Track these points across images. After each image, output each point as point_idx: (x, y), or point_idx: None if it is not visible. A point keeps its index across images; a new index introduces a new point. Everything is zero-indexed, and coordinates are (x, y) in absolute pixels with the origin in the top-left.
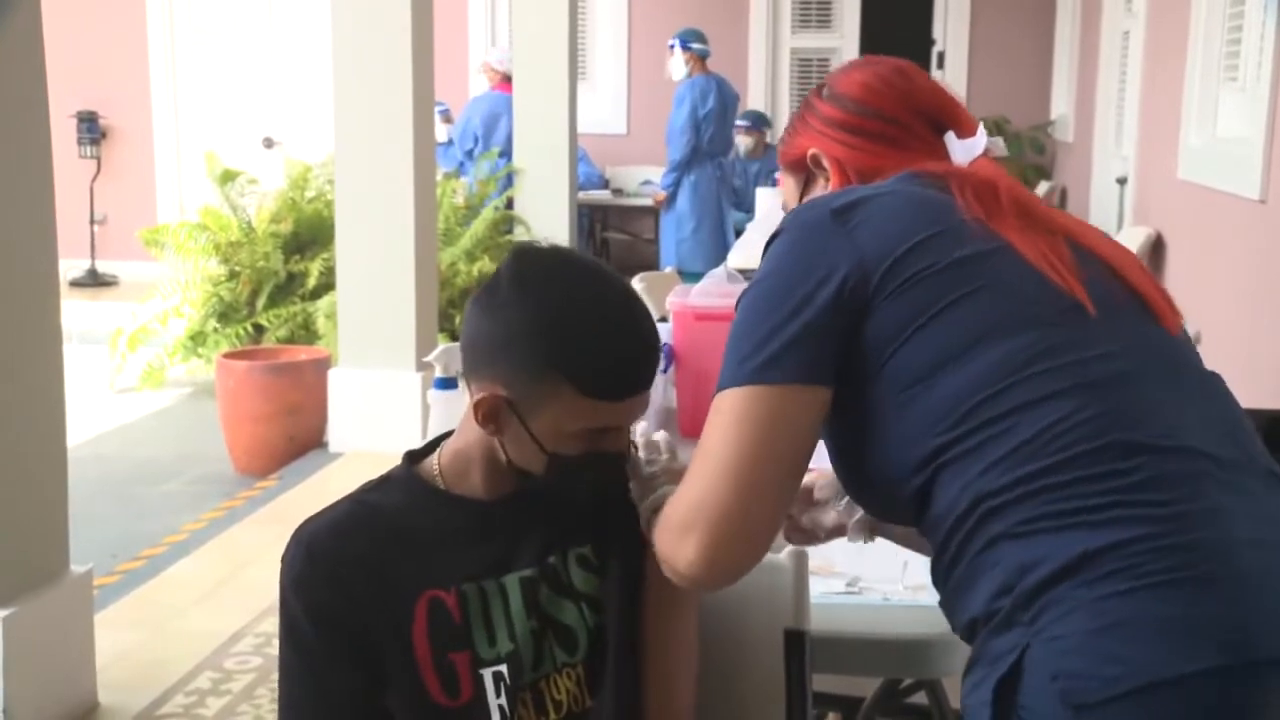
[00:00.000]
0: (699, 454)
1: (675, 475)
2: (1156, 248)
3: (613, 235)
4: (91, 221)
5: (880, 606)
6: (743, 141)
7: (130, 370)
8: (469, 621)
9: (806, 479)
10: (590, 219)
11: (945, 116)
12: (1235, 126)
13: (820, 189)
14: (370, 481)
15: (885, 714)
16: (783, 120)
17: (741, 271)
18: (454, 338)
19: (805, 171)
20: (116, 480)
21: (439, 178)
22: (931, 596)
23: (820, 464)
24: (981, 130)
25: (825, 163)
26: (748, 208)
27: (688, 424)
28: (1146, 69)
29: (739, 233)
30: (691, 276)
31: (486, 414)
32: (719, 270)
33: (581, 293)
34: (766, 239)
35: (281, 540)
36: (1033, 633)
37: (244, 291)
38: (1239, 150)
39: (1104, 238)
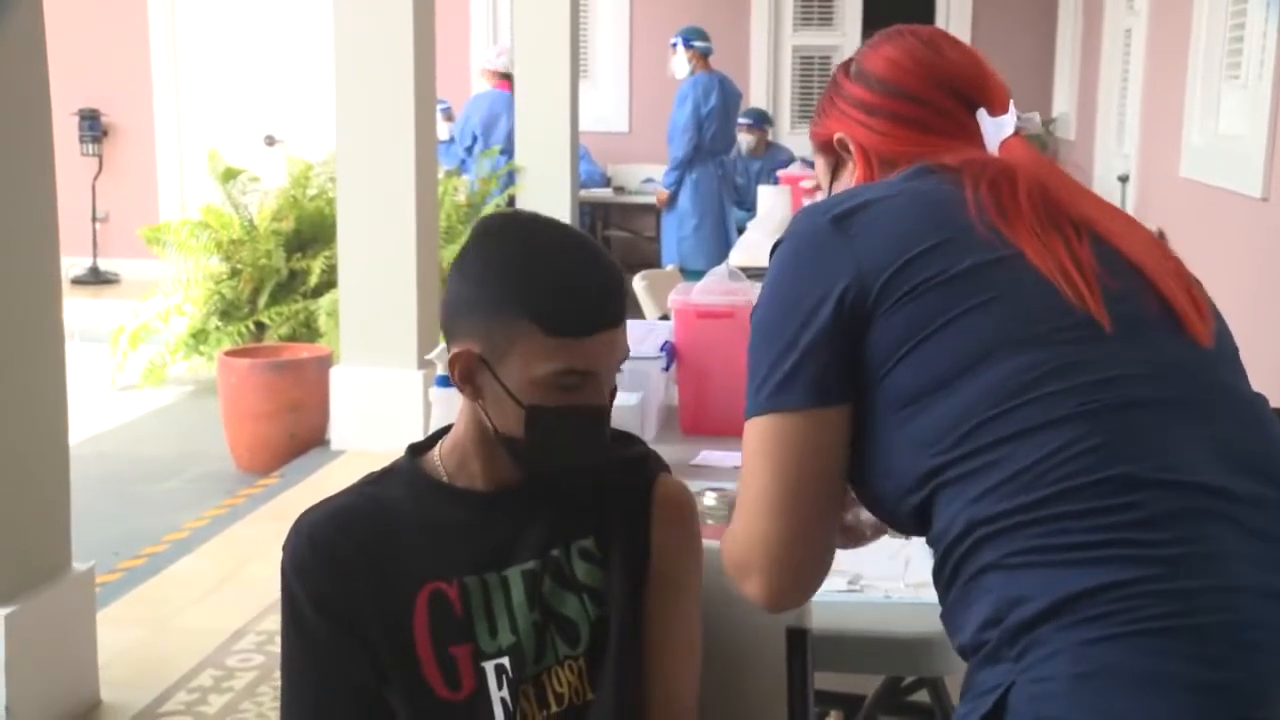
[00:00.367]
0: (742, 487)
1: None
2: None
3: (614, 233)
4: (93, 219)
5: (882, 604)
6: (744, 139)
7: (132, 368)
8: (471, 614)
9: None
10: (592, 217)
11: (976, 91)
12: (1237, 124)
13: (849, 173)
14: (372, 473)
15: (887, 712)
16: (785, 118)
17: (744, 269)
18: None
19: (835, 154)
20: (118, 478)
21: (441, 176)
22: (933, 594)
23: None
24: (1013, 108)
25: (851, 148)
26: (749, 206)
27: (689, 422)
28: (1148, 67)
29: (741, 231)
30: (693, 274)
31: (462, 373)
32: (720, 268)
33: (538, 236)
34: (774, 241)
35: (283, 538)
36: (1018, 670)
37: (246, 289)
38: (1241, 148)
39: (1135, 233)
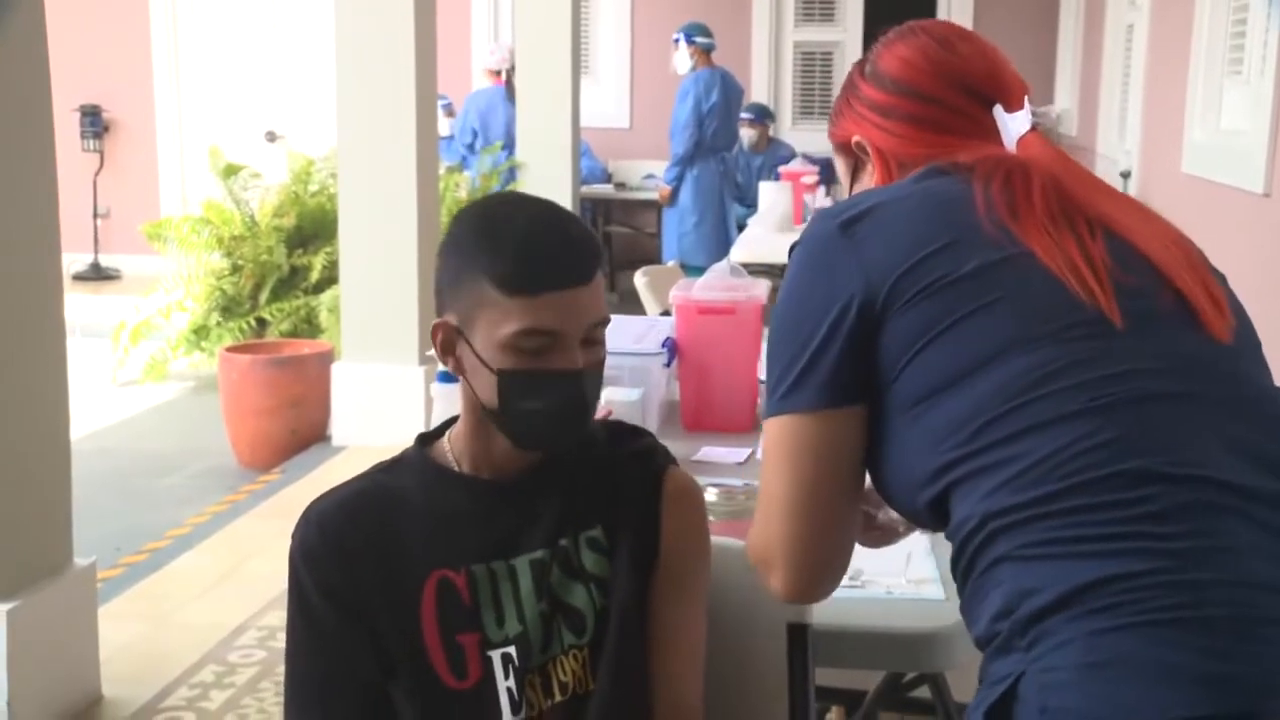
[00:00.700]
0: (762, 485)
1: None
2: None
3: (615, 229)
4: (94, 215)
5: (883, 600)
6: (746, 135)
7: (133, 364)
8: (478, 603)
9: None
10: (593, 213)
11: (991, 88)
12: (1239, 120)
13: (868, 175)
14: (382, 462)
15: (888, 708)
16: (786, 114)
17: (745, 265)
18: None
19: (853, 156)
20: (120, 474)
21: (442, 172)
22: (934, 590)
23: None
24: (1028, 104)
25: (869, 151)
26: (750, 202)
27: (690, 417)
28: (1150, 63)
29: (742, 227)
30: (694, 270)
31: (443, 344)
32: (721, 264)
33: (501, 204)
34: (790, 244)
35: (285, 533)
36: (1028, 660)
37: (247, 285)
38: (1243, 144)
39: (1152, 228)
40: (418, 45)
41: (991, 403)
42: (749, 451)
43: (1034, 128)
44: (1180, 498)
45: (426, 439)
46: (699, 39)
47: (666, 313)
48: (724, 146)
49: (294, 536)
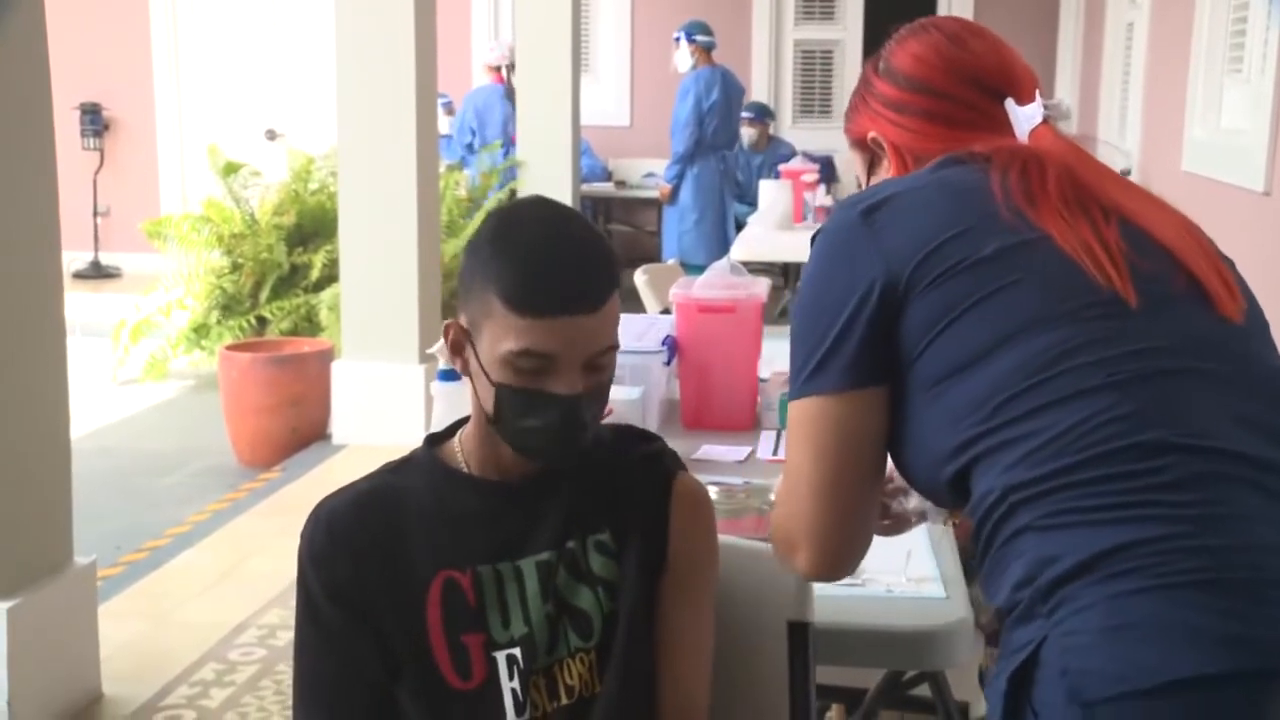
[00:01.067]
0: (787, 467)
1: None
2: None
3: (616, 227)
4: (94, 214)
5: (883, 598)
6: (746, 133)
7: (133, 362)
8: (483, 603)
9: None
10: (593, 211)
11: (1002, 82)
12: (1239, 119)
13: (884, 169)
14: (391, 462)
15: (888, 706)
16: (786, 112)
17: (745, 264)
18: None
19: (870, 151)
20: (120, 472)
21: (442, 170)
22: (935, 589)
23: None
24: (1039, 97)
25: (885, 146)
26: (751, 200)
27: (690, 416)
28: (1150, 61)
29: (741, 225)
30: (694, 269)
31: (452, 344)
32: (722, 262)
33: (525, 213)
34: (812, 234)
35: (285, 531)
36: (1050, 625)
37: (247, 283)
38: (1243, 142)
39: (1165, 216)
40: (418, 43)
41: (1011, 380)
42: (749, 450)
43: (1045, 120)
44: (1194, 467)
45: (436, 439)
46: (699, 37)
47: (667, 311)
48: (724, 145)
49: (303, 536)
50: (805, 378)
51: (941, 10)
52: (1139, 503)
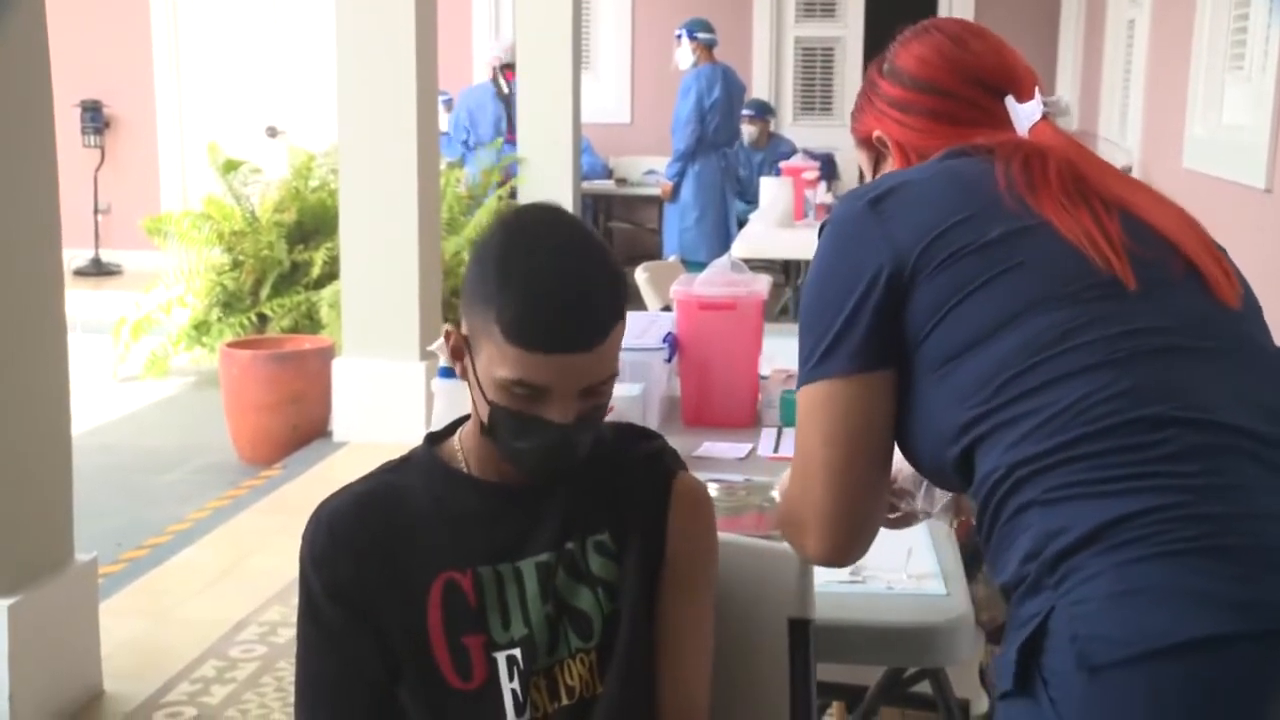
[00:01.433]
0: (797, 451)
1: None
2: None
3: (617, 225)
4: (95, 211)
5: (884, 595)
6: (747, 130)
7: (134, 359)
8: (484, 604)
9: (892, 469)
10: (594, 209)
11: (1003, 80)
12: (1240, 116)
13: (888, 167)
14: (390, 461)
15: (889, 703)
16: (787, 109)
17: (746, 261)
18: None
19: (875, 150)
20: (121, 469)
21: (442, 167)
22: (935, 585)
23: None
24: (1038, 94)
25: (889, 144)
26: (751, 197)
27: (691, 413)
28: (1151, 58)
29: (743, 223)
30: (695, 266)
31: (451, 349)
32: (723, 260)
33: (535, 236)
34: (820, 224)
35: (286, 529)
36: (1058, 596)
37: (248, 281)
38: (1244, 140)
39: (1164, 208)
40: (418, 40)
41: (1015, 359)
42: (750, 447)
43: (1045, 116)
44: (1193, 440)
45: (435, 438)
46: (701, 34)
47: (667, 308)
48: (725, 142)
49: (304, 537)
50: (814, 363)
51: (942, 7)
52: (1142, 474)
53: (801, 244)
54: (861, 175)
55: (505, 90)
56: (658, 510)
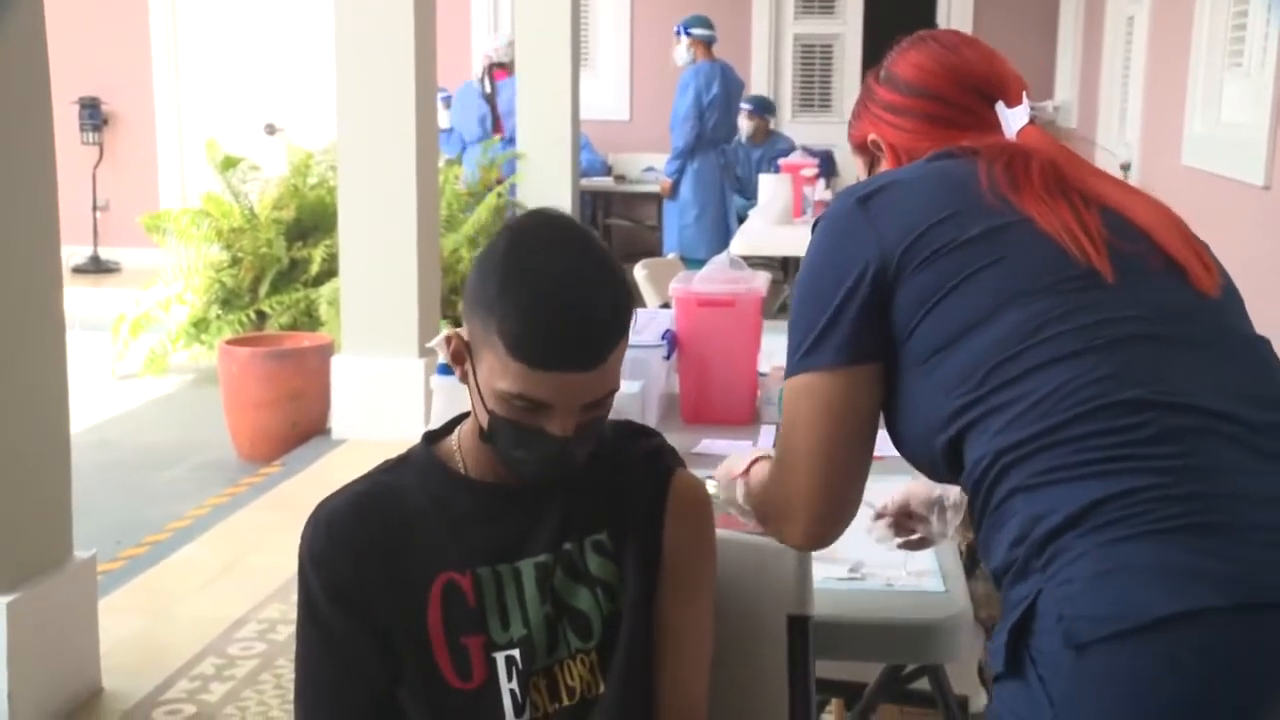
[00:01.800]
0: (782, 441)
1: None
2: None
3: (616, 222)
4: (94, 208)
5: (883, 592)
6: (743, 125)
7: (133, 357)
8: (483, 605)
9: (904, 494)
10: (593, 206)
11: (994, 87)
12: (1240, 112)
13: (883, 168)
14: (388, 461)
15: (888, 700)
16: (786, 106)
17: (745, 258)
18: (457, 324)
19: (870, 154)
20: (120, 467)
21: (441, 164)
22: (934, 583)
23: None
24: (1026, 100)
25: (884, 147)
26: (750, 194)
27: (690, 410)
28: (1150, 55)
29: (742, 219)
30: (694, 263)
31: (453, 354)
32: (722, 257)
33: (541, 252)
34: (814, 221)
35: (285, 526)
36: (1045, 579)
37: (246, 278)
38: (1243, 136)
39: (1146, 204)
40: (417, 38)
41: (997, 349)
42: (749, 444)
43: (1032, 120)
44: (1172, 423)
45: (433, 437)
46: (699, 31)
47: (666, 305)
48: (724, 139)
49: (303, 538)
50: (801, 355)
51: (941, 4)
52: (1122, 456)
53: (800, 241)
54: (859, 177)
55: (488, 89)
56: (656, 508)
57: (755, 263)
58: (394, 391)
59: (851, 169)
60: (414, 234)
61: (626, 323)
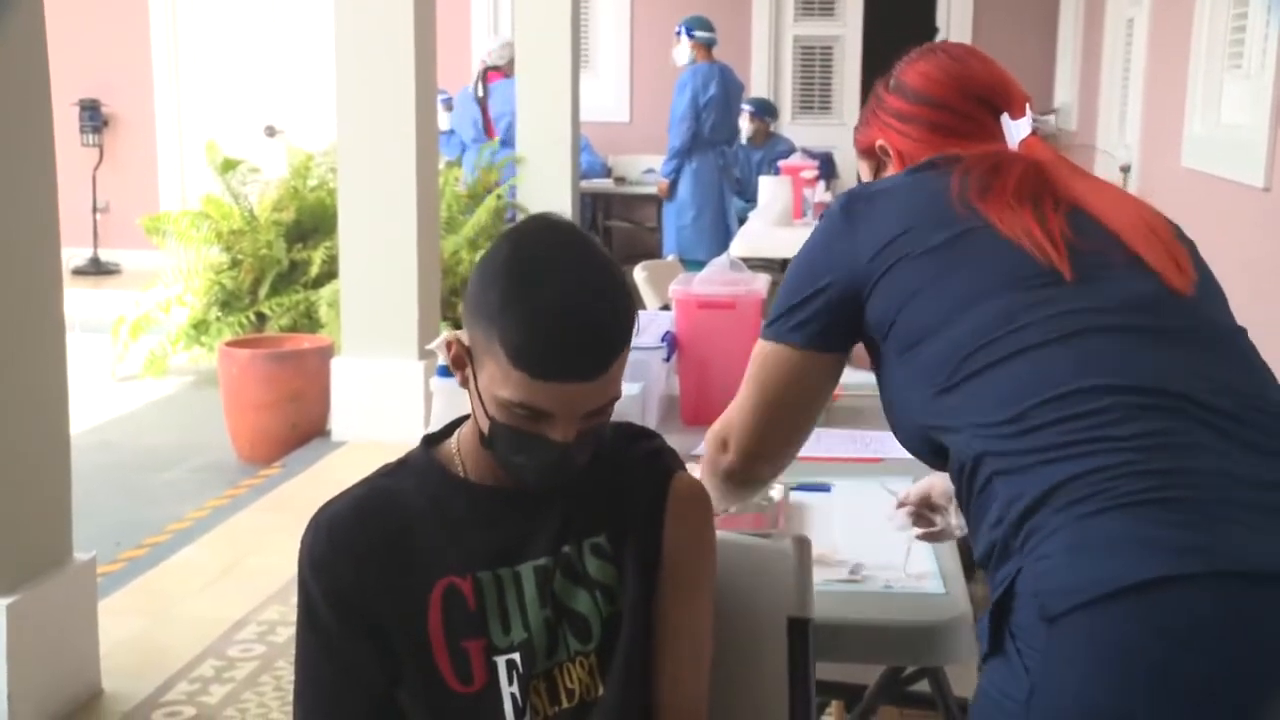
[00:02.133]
0: (744, 381)
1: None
2: None
3: (615, 223)
4: (94, 210)
5: (883, 594)
6: (744, 126)
7: (133, 358)
8: (484, 609)
9: (926, 485)
10: (593, 207)
11: (999, 98)
12: (1239, 114)
13: (888, 174)
14: (387, 465)
15: (888, 702)
16: (786, 108)
17: (744, 260)
18: (457, 326)
19: (876, 159)
20: (120, 468)
21: (441, 166)
22: (934, 584)
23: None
24: (1029, 111)
25: (890, 152)
26: (750, 196)
27: (690, 412)
28: (1150, 56)
29: (741, 221)
30: (693, 265)
31: (453, 359)
32: (722, 258)
33: (545, 261)
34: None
35: (285, 528)
36: (1024, 558)
37: (246, 280)
38: (1243, 138)
39: (1122, 207)
40: (417, 39)
41: (965, 343)
42: None
43: (1034, 132)
44: (1134, 406)
45: (433, 440)
46: (699, 32)
47: (666, 307)
48: (723, 140)
49: (302, 543)
50: (773, 322)
51: (941, 6)
52: (1087, 439)
53: (800, 243)
54: (859, 178)
55: (480, 92)
56: (656, 510)
57: (755, 265)
58: (394, 393)
59: (851, 171)
60: (414, 236)
61: (629, 332)
